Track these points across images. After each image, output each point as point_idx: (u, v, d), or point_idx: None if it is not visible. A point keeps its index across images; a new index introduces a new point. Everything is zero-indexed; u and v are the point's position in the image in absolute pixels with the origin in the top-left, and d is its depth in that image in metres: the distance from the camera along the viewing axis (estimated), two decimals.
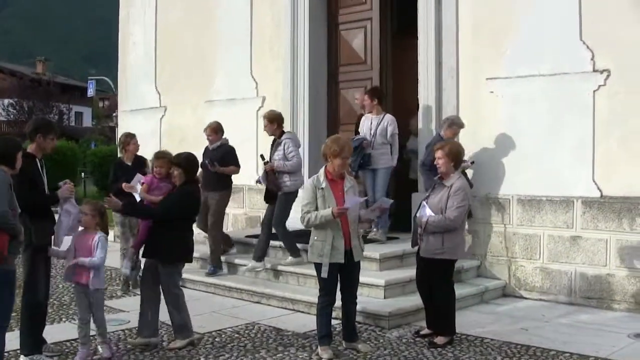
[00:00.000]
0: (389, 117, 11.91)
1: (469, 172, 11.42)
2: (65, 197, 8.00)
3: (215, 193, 12.17)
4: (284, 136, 11.56)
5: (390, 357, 8.33)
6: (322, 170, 8.33)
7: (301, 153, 13.43)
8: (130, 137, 12.59)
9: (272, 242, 12.06)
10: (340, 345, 8.58)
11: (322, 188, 8.16)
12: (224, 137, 12.64)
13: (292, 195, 11.43)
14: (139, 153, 12.48)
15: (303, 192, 8.51)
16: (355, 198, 8.39)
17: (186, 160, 8.84)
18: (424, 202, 8.73)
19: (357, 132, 12.31)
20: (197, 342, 8.81)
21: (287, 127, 13.85)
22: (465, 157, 11.15)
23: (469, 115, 11.82)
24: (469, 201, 8.86)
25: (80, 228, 8.13)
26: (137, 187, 10.56)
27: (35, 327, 8.12)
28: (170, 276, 8.66)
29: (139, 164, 12.23)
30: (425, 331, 9.00)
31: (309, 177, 13.00)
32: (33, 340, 8.10)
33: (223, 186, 12.34)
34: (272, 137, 11.79)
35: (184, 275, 12.12)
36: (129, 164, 12.24)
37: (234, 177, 12.71)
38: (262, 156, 11.72)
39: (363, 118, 12.24)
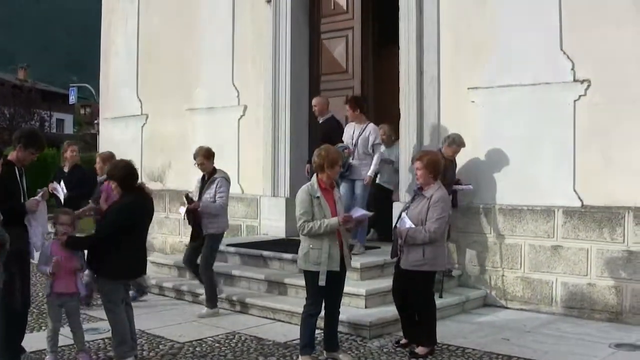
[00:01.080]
0: (371, 127, 11.85)
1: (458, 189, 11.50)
2: (31, 210, 7.94)
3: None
4: (218, 174, 11.10)
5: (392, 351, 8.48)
6: (314, 180, 8.32)
7: (282, 162, 13.50)
8: (68, 145, 12.92)
9: (267, 253, 12.16)
10: (321, 355, 8.53)
11: (318, 197, 8.16)
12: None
13: (219, 237, 11.19)
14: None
15: (298, 201, 8.32)
16: (360, 210, 8.58)
17: (119, 171, 8.29)
18: (404, 214, 8.68)
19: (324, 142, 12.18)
20: None
21: (269, 135, 13.89)
22: (468, 184, 11.26)
23: (450, 124, 11.84)
24: (449, 212, 8.83)
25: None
26: (59, 189, 10.71)
27: (14, 336, 8.05)
28: (103, 289, 8.27)
29: (78, 172, 12.51)
30: (404, 341, 8.97)
31: (288, 187, 13.18)
32: (12, 349, 8.04)
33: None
34: (211, 164, 11.19)
35: (164, 284, 12.16)
36: (66, 170, 12.51)
37: None
38: (187, 195, 11.21)
39: (346, 127, 12.21)
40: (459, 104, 11.86)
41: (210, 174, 11.10)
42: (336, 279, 8.28)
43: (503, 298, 11.38)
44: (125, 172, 8.28)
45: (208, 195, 10.93)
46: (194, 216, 11.02)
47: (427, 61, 12.15)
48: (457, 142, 11.32)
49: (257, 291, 11.47)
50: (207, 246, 10.96)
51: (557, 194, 10.89)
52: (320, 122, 12.62)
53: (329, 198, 8.27)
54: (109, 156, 11.78)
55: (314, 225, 8.08)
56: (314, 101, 12.81)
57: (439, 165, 8.83)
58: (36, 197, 8.06)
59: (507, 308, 11.28)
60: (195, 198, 11.09)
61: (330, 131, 12.16)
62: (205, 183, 11.11)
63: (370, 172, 11.68)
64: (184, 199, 11.19)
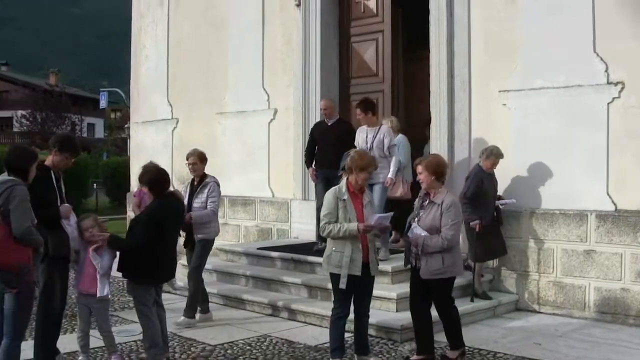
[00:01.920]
0: (384, 129, 11.64)
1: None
2: (65, 216, 8.00)
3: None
4: (210, 178, 10.77)
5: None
6: (343, 182, 8.31)
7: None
8: None
9: (283, 254, 12.10)
10: (353, 359, 8.52)
11: (344, 200, 8.11)
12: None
13: (210, 243, 10.81)
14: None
15: (325, 201, 8.33)
16: (380, 215, 8.33)
17: (150, 176, 8.41)
18: (414, 223, 8.34)
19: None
20: None
21: (299, 138, 13.88)
22: (511, 199, 11.15)
23: (481, 128, 11.81)
24: (462, 216, 8.59)
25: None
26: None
27: (50, 338, 8.13)
28: (134, 292, 8.32)
29: None
30: (415, 357, 8.54)
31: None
32: (47, 351, 8.10)
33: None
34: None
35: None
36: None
37: (245, 189, 12.63)
38: None
39: (358, 130, 11.97)
40: (490, 107, 11.80)
41: (201, 179, 10.76)
42: (364, 283, 8.24)
43: (535, 302, 11.30)
44: (156, 178, 8.39)
45: (199, 200, 10.58)
46: (185, 224, 10.29)
47: (457, 64, 12.11)
48: (495, 154, 11.11)
49: (287, 294, 11.47)
50: (197, 252, 10.62)
51: (590, 198, 10.80)
52: (330, 124, 12.37)
53: (356, 202, 8.20)
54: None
55: (334, 227, 8.04)
56: (325, 104, 12.58)
57: (442, 167, 8.40)
58: (68, 205, 8.13)
59: (539, 312, 11.19)
60: (185, 202, 10.46)
61: (345, 134, 12.01)
62: (195, 188, 10.74)
63: (390, 174, 11.42)
64: None
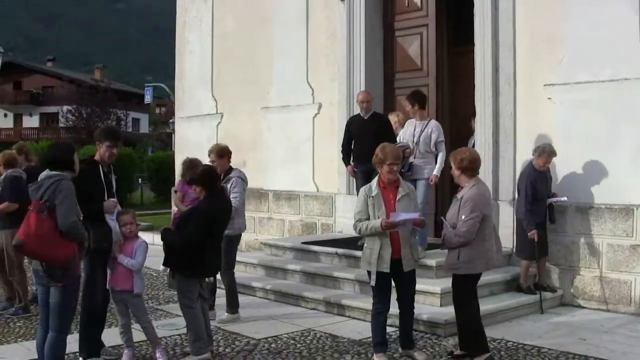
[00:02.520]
0: (433, 124, 11.48)
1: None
2: (109, 211, 8.10)
3: None
4: (233, 173, 10.44)
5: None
6: (376, 178, 8.31)
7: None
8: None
9: (327, 249, 12.13)
10: (397, 353, 8.54)
11: (373, 197, 8.11)
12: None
13: (236, 239, 10.53)
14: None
15: (357, 200, 8.42)
16: (404, 214, 8.06)
17: (201, 177, 8.47)
18: (444, 218, 8.31)
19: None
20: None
21: (342, 133, 13.85)
22: (562, 197, 11.06)
23: (526, 122, 11.74)
24: (482, 210, 8.04)
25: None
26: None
27: (94, 331, 8.25)
28: (180, 285, 8.41)
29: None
30: (458, 351, 8.51)
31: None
32: (92, 344, 8.21)
33: None
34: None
35: (245, 282, 12.21)
36: None
37: (289, 184, 12.64)
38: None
39: (407, 123, 11.89)
40: (535, 101, 11.72)
41: (225, 174, 10.37)
42: (400, 280, 8.28)
43: (580, 298, 11.22)
44: (209, 173, 8.53)
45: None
46: None
47: (502, 58, 12.04)
48: (547, 152, 10.96)
49: (332, 288, 11.50)
50: (224, 249, 9.74)
51: (636, 192, 10.68)
52: (366, 118, 12.14)
53: (388, 197, 8.14)
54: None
55: (362, 225, 8.10)
56: (365, 96, 12.31)
57: (475, 162, 8.26)
58: (114, 199, 8.23)
59: (583, 308, 11.11)
60: None
61: (383, 127, 11.84)
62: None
63: (436, 171, 11.25)
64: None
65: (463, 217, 7.96)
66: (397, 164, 8.21)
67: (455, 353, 8.53)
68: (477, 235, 7.98)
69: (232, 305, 10.50)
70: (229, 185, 10.22)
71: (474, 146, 12.28)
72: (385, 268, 8.03)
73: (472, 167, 8.20)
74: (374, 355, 8.33)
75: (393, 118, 12.36)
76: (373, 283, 8.13)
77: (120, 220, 8.24)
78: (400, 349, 8.56)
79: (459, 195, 8.19)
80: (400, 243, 8.09)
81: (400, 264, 8.11)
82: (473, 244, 7.99)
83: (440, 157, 11.29)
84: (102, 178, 8.18)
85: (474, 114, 12.42)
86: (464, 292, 8.24)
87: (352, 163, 12.29)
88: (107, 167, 8.34)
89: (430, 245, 11.39)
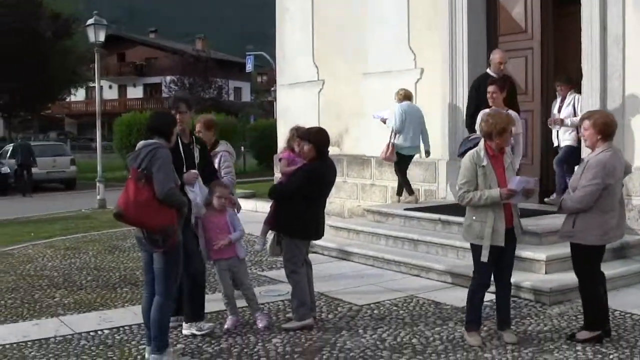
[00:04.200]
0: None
1: None
2: (189, 182, 8.08)
3: None
4: (220, 147, 9.70)
5: (550, 334, 8.12)
6: (481, 145, 7.82)
7: (460, 126, 13.24)
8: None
9: (430, 215, 12.06)
10: (482, 331, 8.11)
11: (484, 166, 7.67)
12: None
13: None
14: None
15: (462, 169, 7.90)
16: (523, 179, 7.74)
17: (316, 135, 8.56)
18: (568, 179, 8.05)
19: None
20: (313, 325, 8.50)
21: (446, 98, 13.69)
22: None
23: (636, 84, 11.34)
24: (604, 180, 7.53)
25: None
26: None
27: (197, 295, 8.36)
28: (287, 249, 8.51)
29: None
30: (584, 333, 7.99)
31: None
32: (195, 309, 8.32)
33: None
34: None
35: (346, 248, 12.24)
36: None
37: None
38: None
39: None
40: None
41: (211, 147, 9.57)
42: (506, 251, 7.80)
43: None
44: (322, 138, 8.56)
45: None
46: None
47: (610, 18, 11.60)
48: None
49: (434, 255, 11.40)
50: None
51: None
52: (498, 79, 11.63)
53: (497, 166, 7.74)
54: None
55: (473, 196, 7.61)
56: (503, 56, 11.88)
57: (610, 127, 7.78)
58: (195, 170, 8.25)
59: None
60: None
61: (513, 91, 11.55)
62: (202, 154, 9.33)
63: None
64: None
65: (584, 181, 7.55)
66: (511, 130, 7.89)
67: (578, 335, 7.93)
68: (597, 205, 7.57)
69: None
70: (217, 160, 9.49)
71: (559, 110, 12.46)
72: (501, 242, 7.62)
73: (607, 131, 7.72)
74: (466, 333, 7.97)
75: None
76: (485, 259, 7.64)
77: (215, 190, 8.38)
78: (497, 325, 8.12)
79: (586, 159, 7.84)
80: (512, 212, 7.80)
81: (512, 235, 7.81)
82: (591, 213, 7.58)
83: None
84: (181, 148, 8.14)
85: (580, 77, 12.10)
86: (581, 264, 7.87)
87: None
88: (189, 137, 8.38)
89: (534, 212, 11.16)
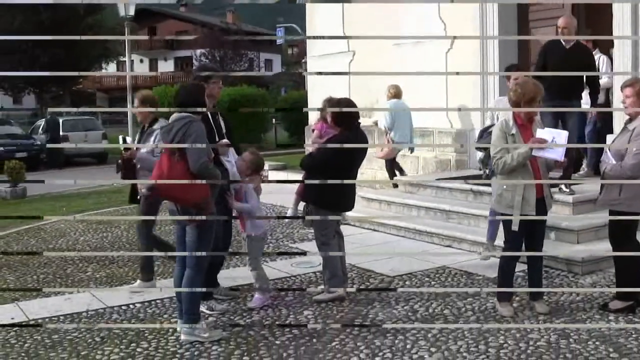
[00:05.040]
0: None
1: None
2: (222, 152, 8.07)
3: None
4: (157, 124, 9.02)
5: (583, 304, 8.12)
6: (510, 115, 7.82)
7: (492, 96, 13.19)
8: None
9: (462, 186, 12.04)
10: (514, 301, 8.12)
11: (513, 134, 7.64)
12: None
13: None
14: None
15: (493, 139, 7.85)
16: (553, 130, 7.72)
17: (346, 106, 8.53)
18: (607, 148, 7.81)
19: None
20: (345, 297, 8.51)
21: (476, 68, 13.60)
22: None
23: None
24: None
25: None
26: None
27: (210, 270, 8.16)
28: (318, 221, 8.49)
29: None
30: (617, 303, 7.97)
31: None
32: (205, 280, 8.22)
33: None
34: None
35: (379, 220, 12.26)
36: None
37: (423, 120, 12.60)
38: (124, 139, 9.98)
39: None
40: None
41: (149, 124, 9.25)
42: (537, 221, 7.73)
43: None
44: (351, 110, 8.49)
45: (145, 149, 8.95)
46: (125, 168, 9.22)
47: None
48: None
49: (466, 225, 11.40)
50: (143, 206, 9.16)
51: None
52: (568, 47, 11.04)
53: (526, 134, 7.66)
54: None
55: (507, 158, 7.51)
56: (566, 21, 11.17)
57: None
58: (226, 140, 8.23)
59: None
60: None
61: (586, 61, 10.93)
62: (142, 134, 9.31)
63: None
64: (122, 141, 9.85)
65: (634, 149, 7.36)
66: (540, 101, 7.79)
67: (610, 305, 7.93)
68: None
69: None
70: (152, 138, 8.93)
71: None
72: (531, 211, 7.53)
73: None
74: (498, 303, 7.97)
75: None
76: (516, 227, 7.57)
77: (244, 157, 8.37)
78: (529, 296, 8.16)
79: (630, 126, 7.62)
80: (543, 183, 7.72)
81: (542, 205, 7.75)
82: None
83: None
84: (211, 120, 8.13)
85: (612, 45, 12.00)
86: (622, 233, 7.72)
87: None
88: (214, 107, 8.39)
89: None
